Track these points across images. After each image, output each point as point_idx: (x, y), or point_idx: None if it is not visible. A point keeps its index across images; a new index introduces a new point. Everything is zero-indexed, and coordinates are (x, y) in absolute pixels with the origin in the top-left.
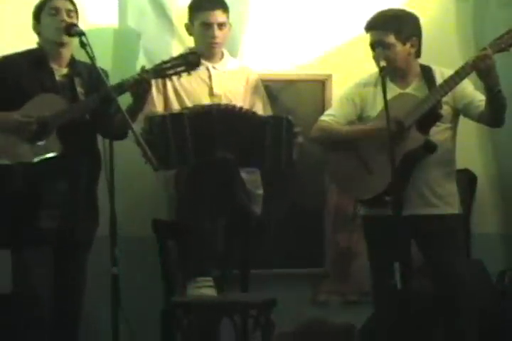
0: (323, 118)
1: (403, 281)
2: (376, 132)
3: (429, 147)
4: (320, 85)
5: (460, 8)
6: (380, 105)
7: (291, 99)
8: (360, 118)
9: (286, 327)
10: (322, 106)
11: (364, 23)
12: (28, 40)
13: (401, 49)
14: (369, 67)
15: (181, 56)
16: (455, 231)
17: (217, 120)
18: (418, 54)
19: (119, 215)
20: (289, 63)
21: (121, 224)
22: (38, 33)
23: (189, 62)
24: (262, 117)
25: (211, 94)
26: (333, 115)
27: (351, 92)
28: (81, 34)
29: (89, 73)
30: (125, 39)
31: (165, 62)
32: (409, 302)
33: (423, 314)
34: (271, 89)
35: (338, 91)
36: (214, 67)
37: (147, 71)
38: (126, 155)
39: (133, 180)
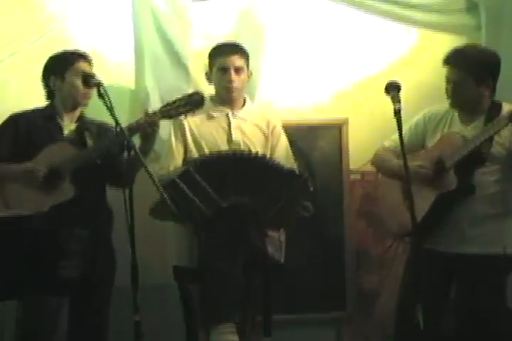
0: (386, 144)
1: (428, 322)
2: (416, 170)
3: (465, 191)
4: (337, 129)
5: None
6: (437, 138)
7: (308, 143)
8: (424, 147)
9: None
10: (339, 150)
11: (379, 65)
12: None
13: (475, 91)
14: (385, 110)
15: (186, 96)
16: (491, 274)
17: (228, 165)
18: (493, 91)
19: (141, 262)
20: (306, 108)
21: (142, 271)
22: (55, 89)
23: (193, 101)
24: (278, 166)
25: (229, 141)
26: (397, 142)
27: (419, 121)
28: (99, 84)
29: (97, 128)
30: (141, 99)
31: (170, 104)
32: None
33: None
34: (288, 133)
35: (355, 134)
36: (234, 114)
37: (154, 113)
38: (147, 202)
39: (153, 227)
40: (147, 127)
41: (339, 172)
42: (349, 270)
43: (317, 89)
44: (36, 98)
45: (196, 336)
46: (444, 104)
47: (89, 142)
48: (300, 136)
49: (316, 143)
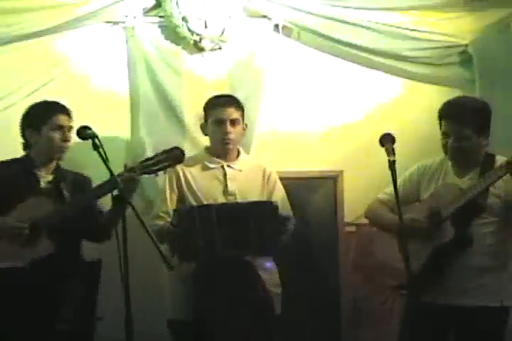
0: (380, 196)
1: None
2: (410, 223)
3: (462, 242)
4: (331, 181)
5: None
6: (431, 190)
7: (303, 196)
8: (419, 200)
9: None
10: (334, 202)
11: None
12: None
13: (476, 141)
14: (380, 162)
15: (165, 151)
16: (490, 327)
17: (218, 218)
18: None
19: (135, 313)
20: (301, 160)
21: (136, 322)
22: (31, 142)
23: (173, 157)
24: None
25: (225, 192)
26: (390, 194)
27: (412, 174)
28: (94, 137)
29: (73, 179)
30: (137, 150)
31: (149, 159)
32: None
33: None
34: (282, 184)
35: (350, 186)
36: (229, 166)
37: (133, 168)
38: (142, 252)
39: (148, 278)
40: (127, 182)
41: (334, 224)
42: (345, 324)
43: (312, 147)
44: None
45: None
46: (434, 156)
47: (66, 193)
48: (295, 187)
49: (311, 195)
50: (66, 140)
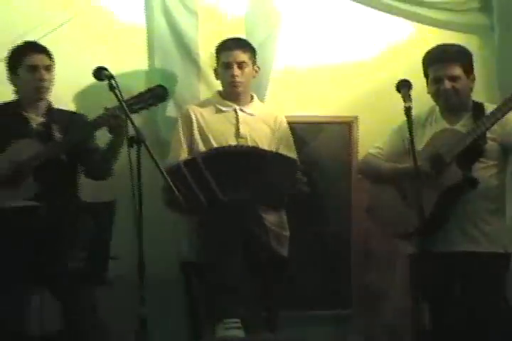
0: (371, 151)
1: (435, 322)
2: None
3: (470, 183)
4: (346, 127)
5: (484, 46)
6: (426, 139)
7: (317, 142)
8: (409, 151)
9: None
10: (349, 148)
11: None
12: None
13: (466, 82)
14: (395, 108)
15: (149, 90)
16: (495, 273)
17: (232, 161)
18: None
19: (147, 256)
20: (316, 105)
21: (148, 265)
22: (15, 85)
23: (156, 95)
24: (268, 153)
25: (237, 135)
26: (381, 148)
27: (401, 126)
28: (110, 77)
29: (68, 119)
30: (158, 80)
31: (133, 98)
32: None
33: None
34: (298, 131)
35: (365, 132)
36: (242, 110)
37: (116, 107)
38: (154, 197)
39: (161, 223)
40: (110, 120)
41: (348, 171)
42: (355, 267)
43: (328, 92)
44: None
45: (201, 331)
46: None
47: (57, 135)
48: (309, 132)
49: (325, 140)
50: (42, 79)
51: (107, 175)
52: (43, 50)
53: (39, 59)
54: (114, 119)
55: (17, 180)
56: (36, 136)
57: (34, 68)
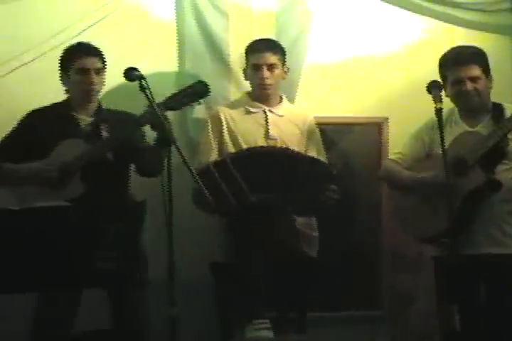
0: (391, 156)
1: (465, 323)
2: (434, 181)
3: (493, 185)
4: (376, 128)
5: None
6: (447, 143)
7: (347, 143)
8: (429, 155)
9: None
10: (379, 149)
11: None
12: None
13: (485, 83)
14: (425, 109)
15: (189, 87)
16: None
17: (262, 162)
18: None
19: (177, 258)
20: (346, 106)
21: (179, 266)
22: (66, 85)
23: (197, 91)
24: (302, 156)
25: (267, 136)
26: (401, 153)
27: (421, 131)
28: (141, 78)
29: (117, 119)
30: (188, 81)
31: (174, 95)
32: None
33: None
34: (327, 132)
35: (395, 133)
36: (271, 111)
37: (157, 105)
38: (185, 197)
39: (191, 223)
40: (152, 118)
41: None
42: (385, 269)
43: (358, 93)
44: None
45: (230, 331)
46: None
47: (105, 134)
48: (337, 134)
49: (356, 142)
50: (92, 83)
51: (159, 172)
52: (95, 52)
53: (91, 62)
54: (156, 118)
55: (64, 180)
56: (85, 136)
57: (85, 71)
